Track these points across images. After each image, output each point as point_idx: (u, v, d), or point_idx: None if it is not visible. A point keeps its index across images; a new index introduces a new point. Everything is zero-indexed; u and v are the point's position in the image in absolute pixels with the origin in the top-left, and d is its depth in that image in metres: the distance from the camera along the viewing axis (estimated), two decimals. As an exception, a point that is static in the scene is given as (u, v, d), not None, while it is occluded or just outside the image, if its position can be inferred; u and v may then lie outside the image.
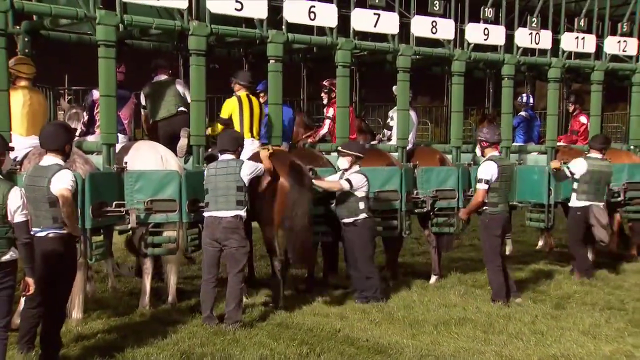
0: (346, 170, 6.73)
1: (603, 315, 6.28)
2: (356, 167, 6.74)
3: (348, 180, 6.60)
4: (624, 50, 9.29)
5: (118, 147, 6.40)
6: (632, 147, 9.62)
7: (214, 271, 5.96)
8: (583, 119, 9.90)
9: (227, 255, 5.92)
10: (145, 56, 7.99)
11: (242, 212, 5.91)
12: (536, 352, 5.25)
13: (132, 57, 7.94)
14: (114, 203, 5.86)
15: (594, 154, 7.96)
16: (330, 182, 6.77)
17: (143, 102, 7.55)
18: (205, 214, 5.97)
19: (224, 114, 6.88)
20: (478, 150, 7.78)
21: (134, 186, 6.02)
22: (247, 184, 5.94)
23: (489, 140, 6.74)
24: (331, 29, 7.23)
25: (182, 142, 6.96)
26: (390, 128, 8.38)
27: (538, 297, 7.05)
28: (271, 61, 6.93)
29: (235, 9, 6.60)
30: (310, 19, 7.04)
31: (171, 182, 6.15)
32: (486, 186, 6.63)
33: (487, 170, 6.64)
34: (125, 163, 6.10)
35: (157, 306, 6.46)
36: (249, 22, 6.94)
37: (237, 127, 6.75)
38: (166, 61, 7.75)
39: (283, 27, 6.95)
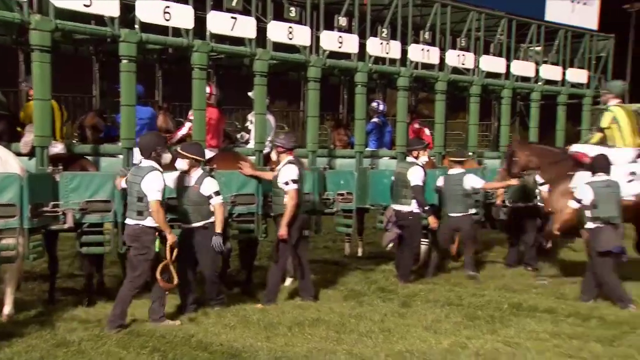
0: (186, 172, 6.58)
1: (443, 311, 6.71)
2: (199, 171, 6.59)
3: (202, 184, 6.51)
4: (463, 64, 10.00)
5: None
6: (470, 153, 10.38)
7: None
8: (416, 125, 10.54)
9: (128, 259, 6.04)
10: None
11: (144, 222, 5.88)
12: (384, 349, 5.50)
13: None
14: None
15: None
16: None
17: None
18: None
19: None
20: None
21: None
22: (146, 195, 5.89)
23: (285, 146, 7.05)
24: (187, 30, 7.13)
25: (27, 138, 6.53)
26: (248, 131, 8.41)
27: (387, 296, 7.39)
28: (124, 61, 6.70)
29: (84, 5, 6.31)
30: (165, 20, 6.89)
31: (10, 186, 5.79)
32: (295, 185, 6.85)
33: (293, 172, 6.90)
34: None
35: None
36: (100, 19, 6.66)
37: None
38: None
39: (136, 26, 6.75)
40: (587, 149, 8.19)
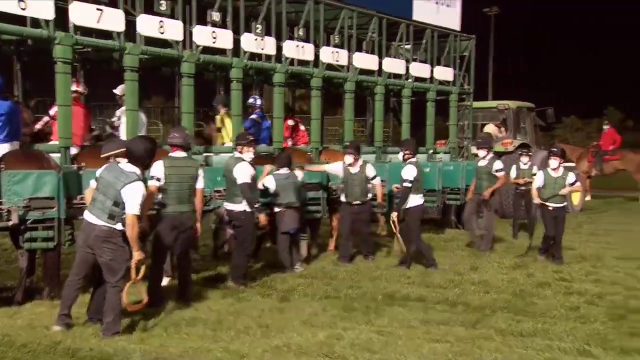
0: None
1: (321, 304, 6.83)
2: None
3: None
4: (337, 60, 10.21)
5: None
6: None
7: (81, 273, 5.78)
8: (290, 122, 10.67)
9: (102, 265, 5.63)
10: None
11: (115, 227, 5.60)
12: (261, 344, 5.51)
13: None
14: None
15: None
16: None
17: None
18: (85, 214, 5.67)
19: None
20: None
21: None
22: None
23: (175, 142, 6.82)
24: (47, 21, 6.74)
25: None
26: (115, 128, 8.10)
27: (266, 292, 7.41)
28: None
29: None
30: (22, 9, 6.47)
31: (50, 182, 6.19)
32: (157, 183, 6.64)
33: (158, 169, 6.66)
34: None
35: None
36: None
37: None
38: None
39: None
40: None
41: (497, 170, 10.41)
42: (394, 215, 8.78)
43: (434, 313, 6.56)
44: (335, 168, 9.37)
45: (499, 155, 12.58)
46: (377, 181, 9.37)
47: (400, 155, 9.20)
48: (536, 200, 9.41)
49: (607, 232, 12.71)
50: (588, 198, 18.00)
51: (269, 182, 8.50)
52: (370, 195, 9.33)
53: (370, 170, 9.27)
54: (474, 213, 10.50)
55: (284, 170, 8.59)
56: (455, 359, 5.20)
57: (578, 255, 9.74)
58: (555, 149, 9.68)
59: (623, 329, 5.95)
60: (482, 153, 10.61)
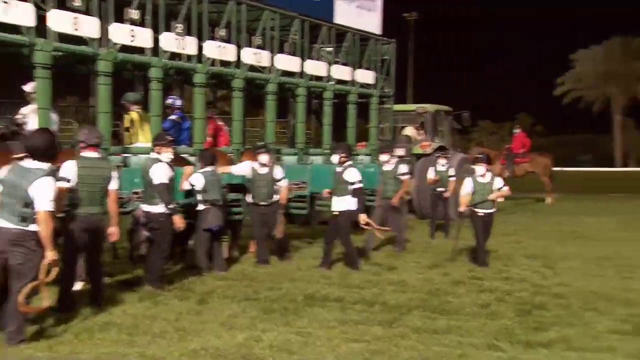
0: None
1: (240, 306, 6.80)
2: None
3: None
4: (259, 62, 10.19)
5: None
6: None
7: None
8: (220, 121, 10.61)
9: (11, 269, 5.31)
10: None
11: (28, 228, 5.32)
12: (178, 348, 5.43)
13: None
14: None
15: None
16: None
17: None
18: None
19: None
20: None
21: None
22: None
23: (88, 141, 6.68)
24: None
25: None
26: (20, 126, 7.77)
27: (184, 295, 7.31)
28: None
29: None
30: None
31: None
32: (67, 184, 6.43)
33: (68, 170, 6.48)
34: None
35: None
36: None
37: None
38: None
39: None
40: None
41: (402, 174, 10.58)
42: (363, 217, 8.92)
43: (352, 313, 6.66)
44: (241, 169, 9.34)
45: (407, 158, 12.97)
46: (284, 183, 9.42)
47: (335, 159, 9.26)
48: (463, 208, 9.36)
49: (517, 232, 13.26)
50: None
51: (196, 179, 8.52)
52: (277, 197, 9.35)
53: (278, 172, 9.32)
54: (381, 218, 10.47)
55: (209, 168, 8.62)
56: (371, 358, 5.29)
57: (491, 255, 10.11)
58: (481, 156, 9.78)
59: (528, 324, 6.23)
60: (384, 157, 10.77)
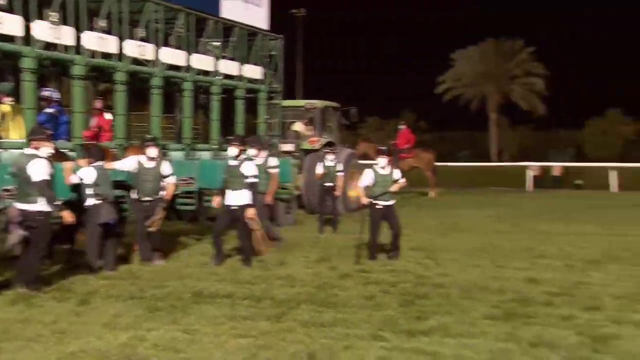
0: None
1: (125, 305, 6.59)
2: None
3: None
4: (142, 54, 9.89)
5: None
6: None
7: None
8: (108, 115, 10.21)
9: None
10: None
11: None
12: (55, 352, 5.18)
13: None
14: None
15: None
16: None
17: None
18: None
19: None
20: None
21: None
22: None
23: None
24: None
25: None
26: None
27: (63, 296, 6.98)
28: None
29: None
30: None
31: None
32: None
33: None
34: None
35: None
36: None
37: None
38: None
39: None
40: None
41: (271, 168, 10.47)
42: (252, 211, 8.79)
43: (240, 309, 6.62)
44: (126, 164, 9.03)
45: (296, 153, 13.09)
46: (172, 179, 9.14)
47: (232, 151, 9.12)
48: (364, 200, 9.44)
49: (402, 225, 13.66)
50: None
51: (87, 173, 8.22)
52: (163, 193, 9.06)
53: (166, 168, 9.08)
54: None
55: (99, 163, 8.37)
56: (258, 353, 5.29)
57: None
58: (384, 148, 9.96)
59: (411, 314, 6.45)
60: (252, 152, 10.24)
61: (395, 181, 9.50)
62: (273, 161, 10.63)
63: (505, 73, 45.16)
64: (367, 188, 9.43)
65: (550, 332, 5.81)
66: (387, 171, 9.52)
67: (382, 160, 9.55)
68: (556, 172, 28.60)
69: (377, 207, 9.42)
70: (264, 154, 10.50)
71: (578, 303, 6.86)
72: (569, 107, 45.26)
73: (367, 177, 9.46)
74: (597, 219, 15.06)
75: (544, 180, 27.66)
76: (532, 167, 28.02)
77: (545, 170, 28.69)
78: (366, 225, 9.55)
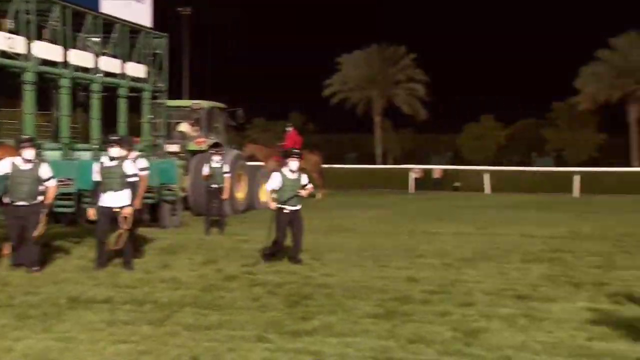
0: None
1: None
2: None
3: None
4: (11, 47, 9.32)
5: None
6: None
7: None
8: None
9: None
10: None
11: None
12: None
13: None
14: None
15: None
16: None
17: None
18: None
19: None
20: None
21: None
22: None
23: None
24: None
25: None
26: None
27: None
28: None
29: None
30: None
31: None
32: None
33: None
34: None
35: None
36: None
37: None
38: None
39: None
40: None
41: (140, 169, 9.53)
42: (129, 210, 8.49)
43: (120, 313, 6.38)
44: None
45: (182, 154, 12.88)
46: (52, 183, 8.54)
47: (115, 152, 8.66)
48: (272, 205, 9.18)
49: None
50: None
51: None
52: (41, 198, 8.43)
53: (45, 170, 8.47)
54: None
55: None
56: (139, 358, 5.12)
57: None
58: (296, 151, 9.75)
59: (296, 314, 6.49)
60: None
61: (304, 186, 9.35)
62: (142, 163, 9.97)
63: (389, 78, 46.54)
64: (273, 191, 9.23)
65: (427, 328, 6.04)
66: (295, 175, 9.30)
67: (293, 164, 9.27)
68: (436, 175, 29.94)
69: (284, 211, 9.25)
70: (133, 154, 9.79)
71: (453, 300, 7.18)
72: (448, 112, 47.34)
73: (274, 181, 9.23)
74: (472, 219, 15.86)
75: (425, 182, 28.85)
76: (414, 170, 29.13)
77: (427, 173, 29.94)
78: (273, 229, 9.40)
